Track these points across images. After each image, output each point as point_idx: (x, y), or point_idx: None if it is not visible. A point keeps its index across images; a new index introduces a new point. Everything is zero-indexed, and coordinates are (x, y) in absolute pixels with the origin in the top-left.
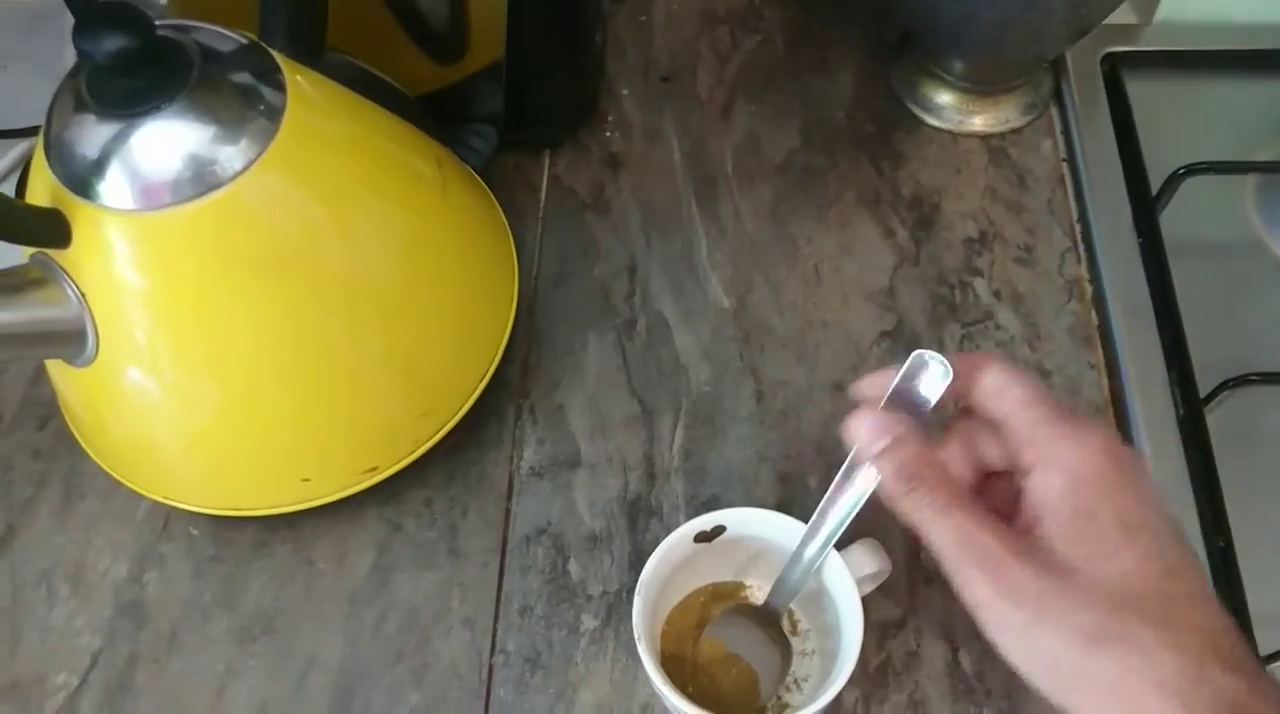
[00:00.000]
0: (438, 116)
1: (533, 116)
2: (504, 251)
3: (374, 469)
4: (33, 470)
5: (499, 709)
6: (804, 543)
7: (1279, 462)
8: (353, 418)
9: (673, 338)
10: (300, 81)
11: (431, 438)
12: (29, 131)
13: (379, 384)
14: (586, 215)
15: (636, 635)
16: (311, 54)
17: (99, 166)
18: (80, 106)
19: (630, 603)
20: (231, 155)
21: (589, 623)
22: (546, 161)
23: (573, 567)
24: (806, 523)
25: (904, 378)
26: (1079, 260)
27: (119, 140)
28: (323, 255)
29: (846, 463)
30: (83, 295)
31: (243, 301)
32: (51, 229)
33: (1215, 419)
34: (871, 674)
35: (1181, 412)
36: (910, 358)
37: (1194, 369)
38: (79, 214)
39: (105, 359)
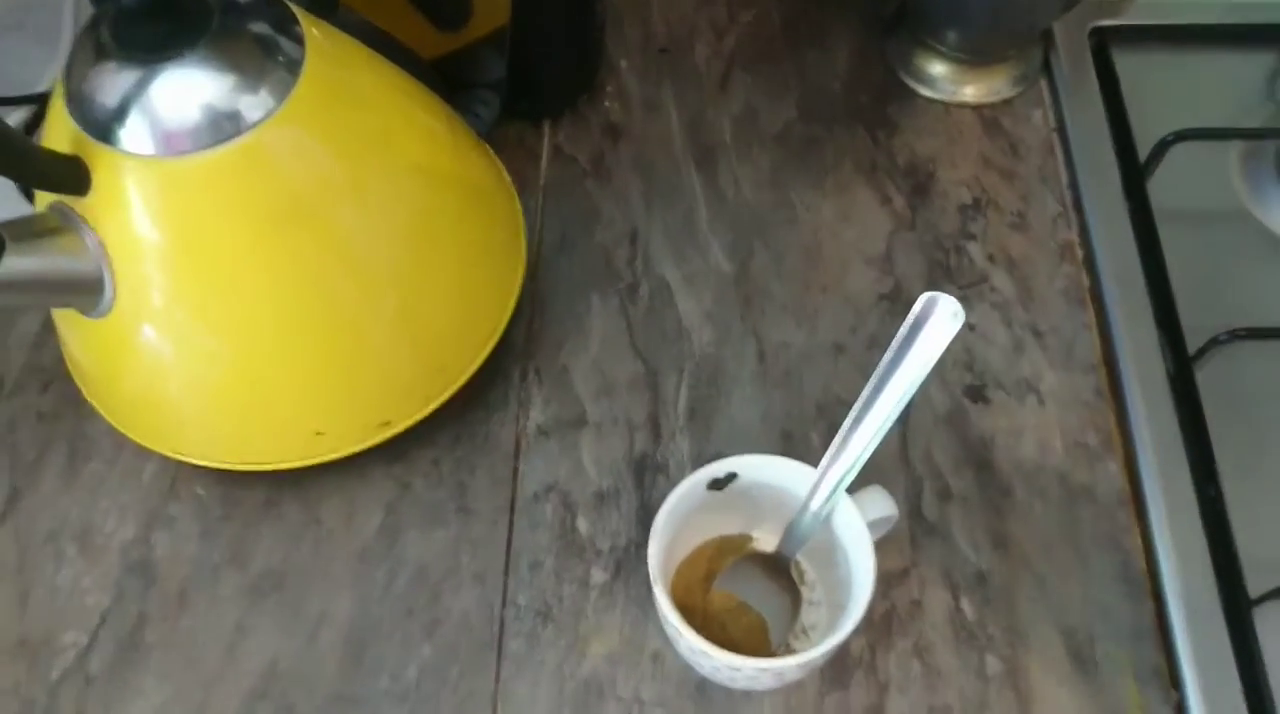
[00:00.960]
0: (441, 82)
1: (534, 86)
2: (512, 212)
3: (387, 423)
4: (37, 433)
5: (511, 662)
6: (816, 486)
7: (1265, 414)
8: (366, 371)
9: (675, 302)
10: (317, 35)
11: (443, 394)
12: (26, 100)
13: (392, 338)
14: (588, 183)
15: (652, 578)
16: (327, 9)
17: (120, 113)
18: (101, 54)
19: (639, 557)
20: (251, 105)
21: (599, 577)
22: (547, 131)
23: (581, 523)
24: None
25: (913, 323)
26: (1070, 225)
27: (141, 86)
28: (339, 207)
29: (855, 410)
30: (101, 243)
31: (259, 251)
32: (72, 175)
33: (1204, 375)
34: (876, 624)
35: (1171, 369)
36: (920, 300)
37: (1182, 328)
38: (99, 160)
39: (121, 309)
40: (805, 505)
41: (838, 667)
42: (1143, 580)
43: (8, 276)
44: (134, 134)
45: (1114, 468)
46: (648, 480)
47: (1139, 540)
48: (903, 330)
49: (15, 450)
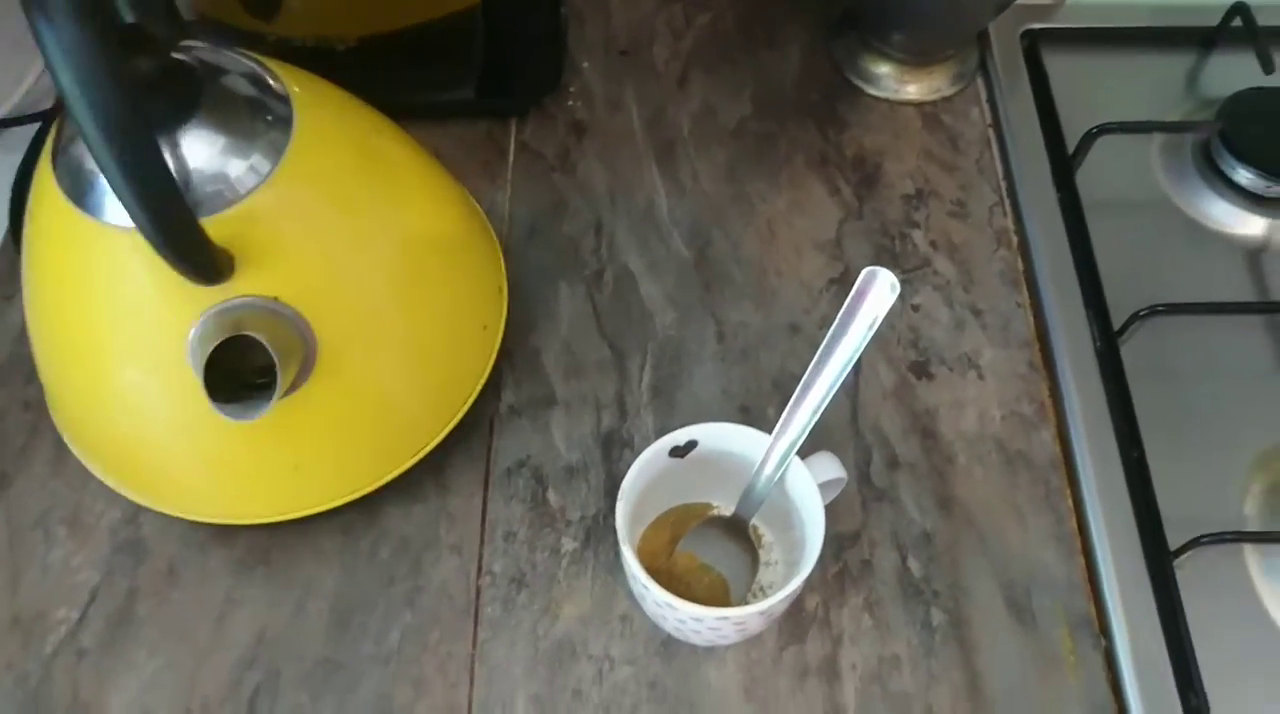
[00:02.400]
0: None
1: (503, 86)
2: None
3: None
4: (24, 421)
5: (488, 626)
6: (771, 449)
7: (1183, 383)
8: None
9: (639, 287)
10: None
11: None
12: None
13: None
14: (554, 177)
15: (620, 537)
16: (268, 11)
17: None
18: None
19: (608, 526)
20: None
21: (569, 545)
22: (514, 128)
23: (552, 495)
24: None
25: (856, 293)
26: (1006, 213)
27: None
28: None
29: (805, 376)
30: (309, 324)
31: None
32: (224, 266)
33: (1128, 349)
34: (830, 582)
35: (1099, 343)
36: (862, 274)
37: (1108, 306)
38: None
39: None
40: (760, 468)
41: (794, 622)
42: (1074, 537)
43: None
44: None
45: (1047, 435)
46: (615, 454)
47: (1070, 501)
48: (848, 301)
49: (3, 437)
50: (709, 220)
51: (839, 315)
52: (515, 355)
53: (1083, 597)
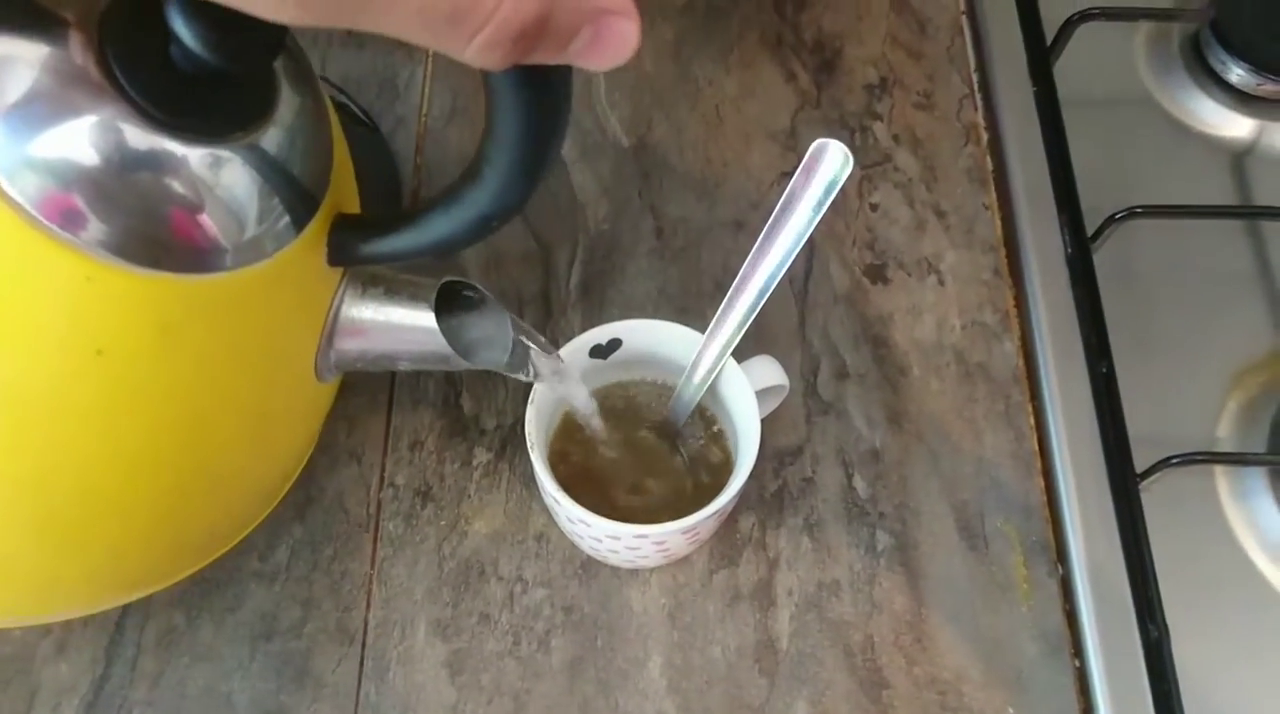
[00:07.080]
0: None
1: None
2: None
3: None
4: None
5: (389, 543)
6: (703, 348)
7: (1158, 293)
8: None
9: (569, 175)
10: None
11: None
12: None
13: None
14: None
15: (530, 443)
16: None
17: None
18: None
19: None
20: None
21: (483, 456)
22: None
23: (465, 401)
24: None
25: (804, 168)
26: (976, 107)
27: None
28: None
29: (745, 264)
30: None
31: None
32: None
33: (1101, 255)
34: (768, 500)
35: (1070, 249)
36: (812, 146)
37: (1082, 209)
38: None
39: None
40: (691, 370)
41: (726, 543)
42: (1034, 457)
43: None
44: None
45: (1010, 346)
46: None
47: (1032, 418)
48: (794, 178)
49: None
50: (650, 103)
51: (784, 194)
52: None
53: (1040, 520)
